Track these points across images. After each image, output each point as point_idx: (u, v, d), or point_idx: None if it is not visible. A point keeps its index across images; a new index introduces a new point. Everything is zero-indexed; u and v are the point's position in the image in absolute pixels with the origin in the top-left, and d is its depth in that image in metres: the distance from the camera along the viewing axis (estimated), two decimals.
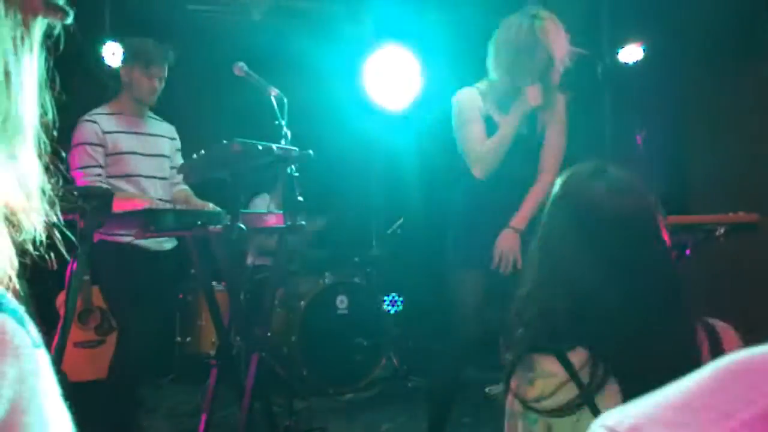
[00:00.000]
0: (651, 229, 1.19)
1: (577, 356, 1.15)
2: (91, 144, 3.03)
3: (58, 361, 2.14)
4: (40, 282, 2.42)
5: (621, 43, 5.54)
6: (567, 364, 1.14)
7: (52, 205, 0.53)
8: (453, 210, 2.85)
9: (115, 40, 4.70)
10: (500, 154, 2.64)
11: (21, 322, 0.43)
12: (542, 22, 2.58)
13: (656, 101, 5.31)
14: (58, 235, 0.58)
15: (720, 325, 1.21)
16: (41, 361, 0.44)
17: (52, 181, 0.53)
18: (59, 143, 0.57)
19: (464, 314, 2.69)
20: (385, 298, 4.87)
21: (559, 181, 1.29)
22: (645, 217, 1.19)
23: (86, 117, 3.10)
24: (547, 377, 1.16)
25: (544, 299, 1.22)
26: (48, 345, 1.58)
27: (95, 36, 4.79)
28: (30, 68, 0.50)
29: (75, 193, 2.03)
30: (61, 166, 0.56)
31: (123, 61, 3.22)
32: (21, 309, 0.43)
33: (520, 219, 2.68)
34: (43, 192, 0.51)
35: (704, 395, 0.32)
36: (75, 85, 3.99)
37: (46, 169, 0.52)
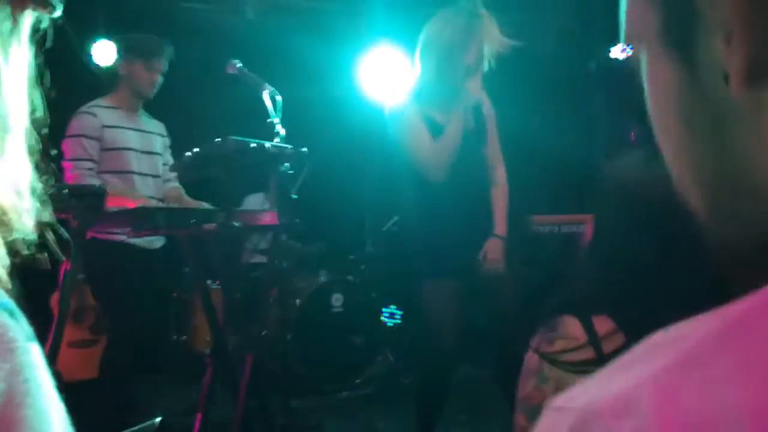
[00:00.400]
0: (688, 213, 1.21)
1: (601, 323, 1.17)
2: (87, 137, 3.01)
3: (52, 361, 2.13)
4: (34, 281, 2.41)
5: (613, 39, 5.55)
6: (589, 329, 1.16)
7: (43, 203, 0.52)
8: (413, 220, 2.81)
9: (107, 38, 4.68)
10: (453, 152, 2.57)
11: (14, 316, 0.43)
12: (478, 19, 2.53)
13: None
14: (50, 234, 0.58)
15: None
16: (35, 354, 0.43)
17: (43, 179, 0.53)
18: (50, 140, 0.56)
19: (440, 327, 2.64)
20: (384, 310, 4.87)
21: (615, 165, 1.30)
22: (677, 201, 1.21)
23: (85, 109, 3.07)
24: (569, 338, 1.19)
25: (588, 273, 1.26)
26: (42, 344, 1.57)
27: (87, 34, 4.77)
28: (19, 63, 0.50)
29: (66, 191, 2.01)
30: (52, 165, 0.56)
31: (123, 56, 3.21)
32: (13, 303, 0.43)
33: (500, 225, 2.67)
34: (34, 190, 0.51)
35: (627, 360, 0.37)
36: (64, 82, 3.97)
37: (37, 166, 0.52)
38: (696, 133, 0.40)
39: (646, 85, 0.42)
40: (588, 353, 1.16)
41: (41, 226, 0.53)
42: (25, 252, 0.52)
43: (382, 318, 4.84)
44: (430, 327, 2.67)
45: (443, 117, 2.64)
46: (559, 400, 0.38)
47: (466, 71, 2.56)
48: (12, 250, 0.51)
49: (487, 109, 2.73)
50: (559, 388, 1.19)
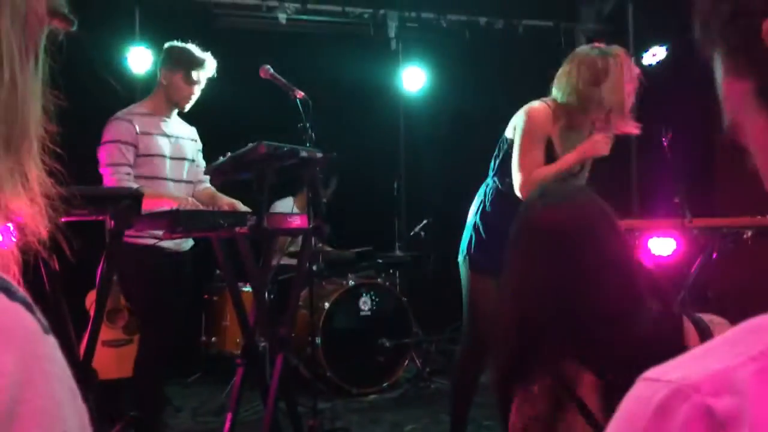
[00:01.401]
0: (586, 236, 1.20)
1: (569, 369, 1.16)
2: (124, 143, 3.05)
3: (88, 359, 2.18)
4: (71, 281, 2.47)
5: (645, 45, 5.50)
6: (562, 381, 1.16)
7: (56, 209, 0.54)
8: (481, 214, 2.86)
9: (143, 45, 4.77)
10: (549, 183, 2.59)
11: (31, 310, 0.44)
12: (619, 58, 2.64)
13: (682, 102, 5.25)
14: (64, 238, 0.60)
15: (716, 321, 1.21)
16: (52, 346, 0.44)
17: (58, 185, 0.55)
18: (71, 147, 0.58)
19: (482, 316, 2.74)
20: None
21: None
22: (579, 225, 1.20)
23: (120, 115, 3.11)
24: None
25: (517, 318, 1.24)
26: (78, 343, 1.61)
27: (123, 40, 4.87)
28: (35, 75, 0.52)
29: (79, 195, 2.03)
30: (63, 171, 0.57)
31: (164, 64, 3.23)
32: (29, 297, 0.44)
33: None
34: (48, 197, 0.52)
35: (721, 343, 0.39)
36: (100, 89, 4.03)
37: (51, 173, 0.54)
38: None
39: (748, 142, 0.47)
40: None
41: (53, 229, 0.55)
42: (37, 253, 0.54)
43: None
44: (474, 317, 2.80)
45: (561, 148, 2.76)
46: (652, 372, 0.40)
47: (602, 109, 2.68)
48: (24, 252, 0.53)
49: None
50: None
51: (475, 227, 2.85)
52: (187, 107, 3.23)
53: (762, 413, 0.34)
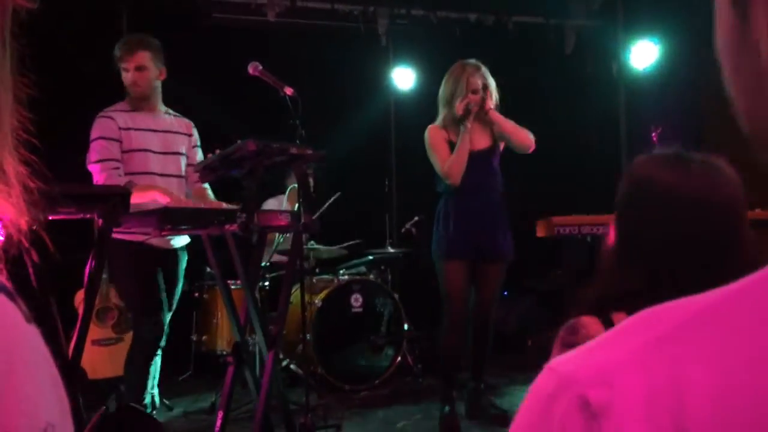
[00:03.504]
0: (731, 215, 1.17)
1: (622, 320, 1.15)
2: (108, 138, 3.06)
3: (76, 358, 2.17)
4: (59, 280, 2.45)
5: (635, 40, 5.52)
6: (611, 326, 1.15)
7: (35, 204, 0.52)
8: (437, 213, 3.59)
9: None
10: (461, 164, 3.43)
11: (12, 298, 0.43)
12: (469, 67, 3.45)
13: (672, 97, 5.28)
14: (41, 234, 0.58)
15: None
16: (34, 335, 0.44)
17: (34, 180, 0.53)
18: (40, 140, 0.56)
19: (453, 295, 3.45)
20: None
21: (640, 163, 1.28)
22: (726, 201, 1.17)
23: (102, 113, 3.14)
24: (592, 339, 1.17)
25: (615, 272, 1.24)
26: (67, 342, 1.60)
27: (113, 39, 4.83)
28: (4, 64, 0.49)
29: (67, 193, 2.00)
30: (41, 164, 0.55)
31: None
32: (11, 288, 0.44)
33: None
34: (26, 190, 0.51)
35: (613, 335, 0.42)
36: (97, 86, 4.00)
37: (27, 165, 0.52)
38: (742, 85, 0.43)
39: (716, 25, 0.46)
40: None
41: (32, 225, 0.53)
42: (17, 250, 0.52)
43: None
44: (446, 298, 3.53)
45: (455, 136, 3.50)
46: (555, 361, 0.42)
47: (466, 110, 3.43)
48: (9, 249, 0.52)
49: (497, 129, 3.51)
50: None
51: (437, 223, 3.59)
52: (137, 93, 3.20)
53: (626, 402, 0.36)
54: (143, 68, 3.18)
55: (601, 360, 0.39)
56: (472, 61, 3.49)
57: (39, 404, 0.42)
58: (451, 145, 3.48)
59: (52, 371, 0.45)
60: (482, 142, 3.53)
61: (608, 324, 1.17)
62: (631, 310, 1.19)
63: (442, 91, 3.56)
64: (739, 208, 1.18)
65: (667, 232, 1.19)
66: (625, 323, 0.42)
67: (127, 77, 3.17)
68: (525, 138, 3.45)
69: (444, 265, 3.49)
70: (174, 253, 3.28)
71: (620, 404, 0.36)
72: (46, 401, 0.43)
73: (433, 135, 3.55)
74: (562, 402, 0.39)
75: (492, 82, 3.50)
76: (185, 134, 3.33)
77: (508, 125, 3.45)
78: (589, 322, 1.19)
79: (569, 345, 1.20)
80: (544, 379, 0.42)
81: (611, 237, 1.31)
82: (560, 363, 0.42)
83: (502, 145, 3.58)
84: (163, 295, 3.19)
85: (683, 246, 1.17)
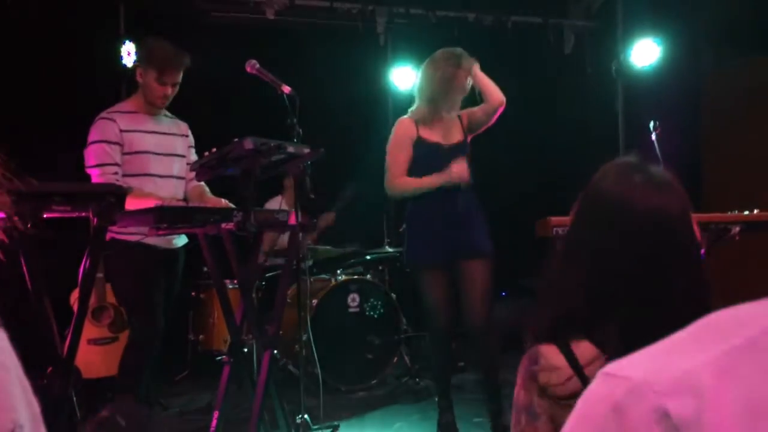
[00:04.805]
0: (684, 228, 1.16)
1: (582, 349, 1.12)
2: (109, 142, 3.02)
3: (71, 358, 2.15)
4: (55, 279, 2.44)
5: (634, 40, 5.51)
6: (570, 358, 1.12)
7: (14, 201, 0.52)
8: (406, 217, 3.35)
9: (131, 40, 4.72)
10: (411, 194, 3.25)
11: None
12: (460, 60, 3.23)
13: (671, 97, 5.27)
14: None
15: None
16: (2, 340, 0.45)
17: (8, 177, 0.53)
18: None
19: (434, 308, 3.20)
20: None
21: (598, 173, 1.25)
22: (679, 214, 1.15)
23: (104, 115, 3.09)
24: (552, 370, 1.14)
25: (562, 290, 1.19)
26: (62, 341, 1.58)
27: (112, 36, 4.82)
28: None
29: (62, 192, 1.98)
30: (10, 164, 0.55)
31: (139, 61, 3.18)
32: None
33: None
34: (18, 192, 0.51)
35: (685, 339, 0.38)
36: (95, 84, 4.01)
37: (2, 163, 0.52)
38: None
39: None
40: (575, 385, 1.11)
41: (27, 223, 0.54)
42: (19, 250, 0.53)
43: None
44: (427, 310, 3.27)
45: (428, 132, 3.27)
46: (612, 367, 0.39)
47: (448, 105, 3.25)
48: (4, 248, 0.52)
49: (479, 85, 3.29)
50: (554, 422, 1.14)
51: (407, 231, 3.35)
52: (162, 105, 3.19)
53: (719, 416, 0.33)
54: (177, 85, 3.16)
55: (678, 366, 0.36)
56: (458, 53, 3.25)
57: (6, 406, 0.42)
58: (418, 145, 3.23)
59: (20, 374, 0.45)
60: (454, 136, 3.30)
61: (568, 353, 1.13)
62: (594, 338, 1.15)
63: (423, 83, 3.28)
64: (685, 222, 1.16)
65: (607, 241, 1.16)
66: (693, 327, 0.39)
67: (158, 89, 3.10)
68: (499, 95, 3.27)
69: (421, 275, 3.23)
70: (175, 252, 3.27)
71: (712, 418, 0.33)
72: (13, 403, 0.43)
73: (400, 131, 3.28)
74: (633, 414, 0.36)
75: (472, 64, 3.27)
76: (182, 136, 3.32)
77: (490, 85, 3.26)
78: (548, 351, 1.16)
79: (532, 374, 1.17)
80: (605, 386, 0.39)
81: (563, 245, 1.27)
82: (622, 367, 0.39)
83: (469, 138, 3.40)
84: (162, 295, 3.18)
85: (623, 260, 1.13)
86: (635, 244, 1.13)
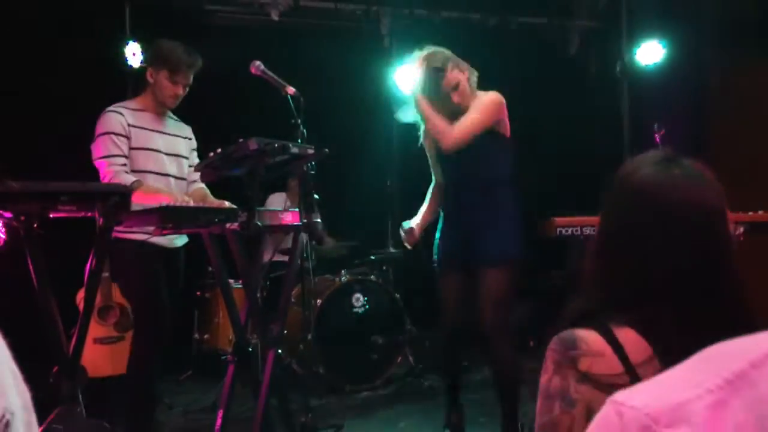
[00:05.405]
0: (724, 221, 1.16)
1: (624, 335, 1.11)
2: (116, 134, 3.02)
3: (77, 356, 2.17)
4: (62, 278, 2.45)
5: (639, 41, 5.50)
6: (613, 342, 1.10)
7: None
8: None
9: (135, 41, 4.74)
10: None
11: None
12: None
13: (676, 98, 5.26)
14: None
15: None
16: None
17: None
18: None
19: (443, 308, 3.22)
20: None
21: (628, 164, 1.24)
22: (719, 207, 1.15)
23: (112, 108, 3.09)
24: (594, 355, 1.11)
25: (603, 279, 1.19)
26: (68, 340, 1.59)
27: (117, 36, 4.83)
28: None
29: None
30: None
31: (150, 62, 3.19)
32: None
33: None
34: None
35: (684, 371, 0.41)
36: (100, 84, 4.02)
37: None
38: None
39: None
40: (617, 368, 1.09)
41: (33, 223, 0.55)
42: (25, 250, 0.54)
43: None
44: (441, 310, 3.26)
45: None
46: (620, 395, 0.42)
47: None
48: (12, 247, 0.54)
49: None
50: (590, 409, 1.10)
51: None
52: (173, 105, 3.21)
53: None
54: (188, 86, 3.19)
55: (677, 400, 0.39)
56: (434, 64, 3.25)
57: None
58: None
59: (11, 365, 0.46)
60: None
61: (611, 340, 1.11)
62: (635, 324, 1.14)
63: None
64: (724, 215, 1.17)
65: (649, 235, 1.15)
66: (693, 359, 0.41)
67: (170, 88, 3.12)
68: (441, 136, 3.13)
69: (438, 275, 3.26)
70: (177, 251, 3.28)
71: None
72: (4, 391, 0.43)
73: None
74: None
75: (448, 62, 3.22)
76: (186, 138, 3.34)
77: (429, 123, 3.18)
78: (590, 337, 1.13)
79: (570, 360, 1.15)
80: (614, 412, 0.41)
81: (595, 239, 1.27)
82: (631, 397, 0.41)
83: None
84: (168, 294, 3.18)
85: (669, 251, 1.13)
86: (680, 236, 1.13)
